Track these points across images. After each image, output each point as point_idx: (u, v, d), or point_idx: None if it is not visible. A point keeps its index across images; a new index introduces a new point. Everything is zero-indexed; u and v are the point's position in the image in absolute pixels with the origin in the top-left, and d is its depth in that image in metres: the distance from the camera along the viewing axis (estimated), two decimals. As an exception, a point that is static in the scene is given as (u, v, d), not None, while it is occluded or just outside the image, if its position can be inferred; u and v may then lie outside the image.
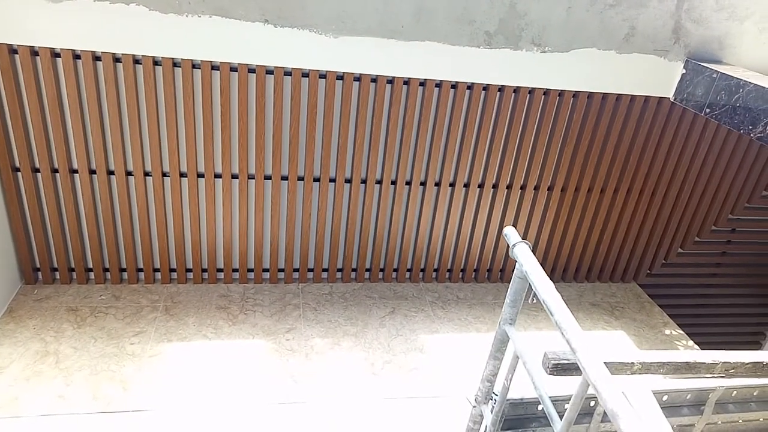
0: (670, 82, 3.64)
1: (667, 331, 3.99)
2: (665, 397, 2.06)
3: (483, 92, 3.61)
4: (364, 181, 3.76)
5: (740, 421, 2.19)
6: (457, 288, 4.19)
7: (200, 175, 3.51)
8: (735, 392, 2.11)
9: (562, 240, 4.30)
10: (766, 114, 3.13)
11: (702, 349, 3.88)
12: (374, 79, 3.43)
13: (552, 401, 1.70)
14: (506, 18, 3.26)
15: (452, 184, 3.90)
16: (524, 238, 4.21)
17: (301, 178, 3.66)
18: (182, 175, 3.48)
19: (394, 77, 3.43)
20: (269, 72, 3.29)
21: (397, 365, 3.35)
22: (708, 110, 3.45)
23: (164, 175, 3.45)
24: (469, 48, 3.28)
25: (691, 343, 3.91)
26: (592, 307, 4.19)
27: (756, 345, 5.13)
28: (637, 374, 2.03)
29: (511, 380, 1.68)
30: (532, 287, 1.51)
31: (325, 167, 3.62)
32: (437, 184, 3.88)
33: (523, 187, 4.02)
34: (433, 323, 3.77)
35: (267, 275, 3.95)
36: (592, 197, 4.14)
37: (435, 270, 4.24)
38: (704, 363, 2.03)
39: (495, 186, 3.97)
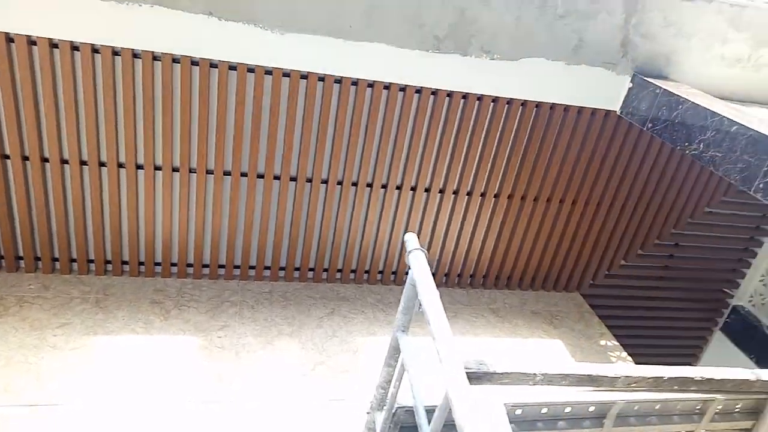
0: (618, 96, 3.69)
1: (603, 342, 4.04)
2: (568, 409, 2.07)
3: (432, 97, 3.61)
4: (309, 180, 3.73)
5: (641, 435, 2.22)
6: (400, 291, 4.17)
7: (139, 167, 3.44)
8: (637, 406, 2.13)
9: (507, 247, 4.32)
10: (701, 131, 3.18)
11: (636, 361, 3.92)
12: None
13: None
14: (456, 23, 3.27)
15: (398, 187, 3.89)
16: (470, 243, 4.23)
17: (244, 174, 3.61)
18: (120, 165, 3.40)
19: (342, 77, 3.41)
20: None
21: (328, 367, 3.32)
22: (650, 125, 3.50)
23: (101, 165, 3.37)
24: (419, 51, 3.29)
25: (624, 354, 3.96)
26: (533, 315, 4.22)
27: (693, 359, 5.22)
28: (539, 385, 2.04)
29: (398, 387, 1.67)
30: (418, 295, 1.50)
31: (269, 164, 3.58)
32: (384, 187, 3.86)
33: (469, 194, 4.02)
34: (371, 325, 3.75)
35: (207, 271, 3.89)
36: (539, 206, 4.17)
37: (380, 272, 4.23)
38: (606, 376, 2.06)
39: (442, 191, 3.97)
